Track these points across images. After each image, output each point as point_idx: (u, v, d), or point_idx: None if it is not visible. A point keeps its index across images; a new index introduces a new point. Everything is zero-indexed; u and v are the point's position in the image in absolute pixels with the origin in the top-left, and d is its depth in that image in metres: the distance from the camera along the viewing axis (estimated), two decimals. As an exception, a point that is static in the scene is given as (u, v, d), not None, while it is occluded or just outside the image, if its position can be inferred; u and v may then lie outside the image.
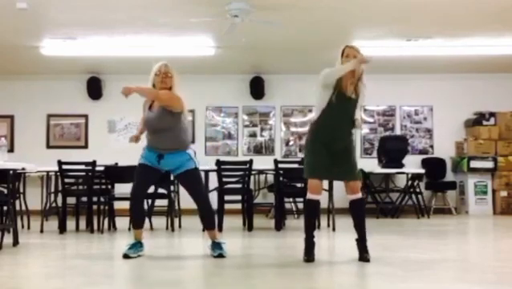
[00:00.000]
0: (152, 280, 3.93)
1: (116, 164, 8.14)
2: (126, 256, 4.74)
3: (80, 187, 7.53)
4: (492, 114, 10.15)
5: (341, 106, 4.51)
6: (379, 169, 9.34)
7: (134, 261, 4.65)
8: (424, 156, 10.39)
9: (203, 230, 6.79)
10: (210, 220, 4.95)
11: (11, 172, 5.69)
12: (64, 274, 4.25)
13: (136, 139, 4.97)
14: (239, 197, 7.39)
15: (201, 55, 8.89)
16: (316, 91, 4.61)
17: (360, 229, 4.56)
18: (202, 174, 6.78)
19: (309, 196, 4.55)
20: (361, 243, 4.53)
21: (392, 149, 9.52)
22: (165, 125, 4.76)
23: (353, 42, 8.40)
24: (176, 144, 4.79)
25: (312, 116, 9.98)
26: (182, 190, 7.67)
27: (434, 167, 10.18)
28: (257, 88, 10.35)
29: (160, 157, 4.79)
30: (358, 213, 4.58)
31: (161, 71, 4.84)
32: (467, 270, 4.24)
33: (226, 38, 7.51)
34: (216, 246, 4.84)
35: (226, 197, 7.26)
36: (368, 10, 6.95)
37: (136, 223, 4.93)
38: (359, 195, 4.59)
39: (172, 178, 7.30)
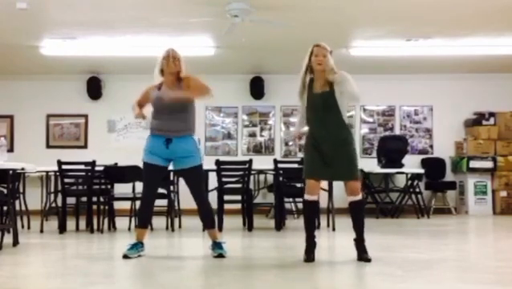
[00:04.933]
0: (152, 280, 3.93)
1: (116, 164, 8.14)
2: (126, 256, 4.74)
3: (80, 187, 7.53)
4: (492, 114, 10.15)
5: (315, 103, 4.59)
6: (378, 169, 9.34)
7: (134, 261, 4.65)
8: (424, 156, 10.39)
9: (203, 230, 6.81)
10: (210, 219, 4.98)
11: (11, 172, 5.68)
12: (64, 274, 4.24)
13: (142, 115, 4.91)
14: (239, 197, 7.39)
15: (201, 55, 8.88)
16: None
17: (359, 230, 4.55)
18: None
19: (306, 197, 4.57)
20: (360, 244, 4.53)
21: (392, 149, 9.52)
22: (180, 106, 4.81)
23: (353, 42, 8.49)
24: (186, 127, 4.83)
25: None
26: (182, 190, 7.73)
27: (434, 167, 10.18)
28: (257, 88, 10.36)
29: (169, 141, 4.77)
30: (357, 215, 4.58)
31: (170, 55, 4.88)
32: (467, 270, 4.24)
33: (226, 38, 7.51)
34: (216, 245, 4.85)
35: (226, 197, 7.25)
36: (368, 10, 6.95)
37: (143, 222, 4.97)
38: (359, 197, 4.57)
39: (171, 178, 7.33)
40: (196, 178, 4.88)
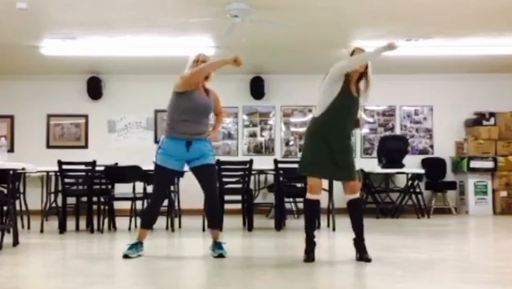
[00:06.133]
0: (152, 280, 3.93)
1: (116, 164, 8.15)
2: (126, 256, 4.74)
3: (80, 187, 7.53)
4: (492, 114, 10.16)
5: (345, 103, 4.52)
6: (379, 169, 9.33)
7: (134, 261, 4.65)
8: (424, 156, 10.39)
9: (203, 230, 6.81)
10: (217, 219, 5.02)
11: (11, 172, 5.68)
12: (64, 274, 4.25)
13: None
14: (239, 197, 7.39)
15: (201, 55, 8.88)
16: (321, 86, 4.57)
17: (359, 229, 4.55)
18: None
19: (308, 196, 4.55)
20: (360, 243, 4.53)
21: (392, 149, 9.52)
22: (210, 110, 4.96)
23: (353, 42, 8.46)
24: (206, 130, 4.91)
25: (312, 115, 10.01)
26: (182, 190, 7.74)
27: (434, 167, 10.18)
28: (257, 88, 10.35)
29: (189, 144, 4.78)
30: (356, 213, 4.58)
31: (200, 59, 4.91)
32: (467, 270, 4.24)
33: (226, 38, 7.51)
34: (216, 245, 4.85)
35: (226, 197, 7.25)
36: (368, 10, 6.95)
37: (149, 223, 4.97)
38: (357, 195, 4.59)
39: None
40: (209, 176, 4.90)
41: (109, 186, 7.41)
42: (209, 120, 5.02)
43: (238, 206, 7.47)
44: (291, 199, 8.60)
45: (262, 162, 8.38)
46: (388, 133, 10.39)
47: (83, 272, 4.23)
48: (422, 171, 9.50)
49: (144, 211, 5.34)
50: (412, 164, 10.02)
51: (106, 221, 7.24)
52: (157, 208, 4.98)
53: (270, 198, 8.61)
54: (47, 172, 7.73)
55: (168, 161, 4.82)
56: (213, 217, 4.99)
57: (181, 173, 6.61)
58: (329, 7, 6.80)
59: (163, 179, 4.93)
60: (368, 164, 9.57)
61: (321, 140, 4.52)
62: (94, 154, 8.61)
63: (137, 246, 4.84)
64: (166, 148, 4.84)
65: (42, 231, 7.01)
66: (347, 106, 4.54)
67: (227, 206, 7.30)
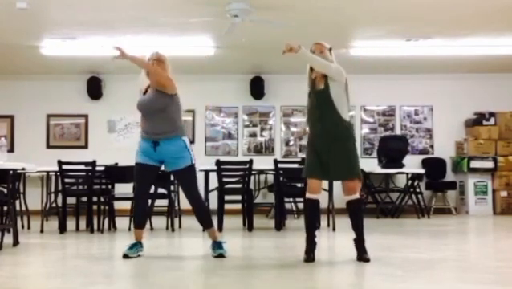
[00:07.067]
0: (152, 280, 3.93)
1: (116, 164, 8.15)
2: (126, 256, 4.75)
3: (80, 187, 7.54)
4: (492, 114, 10.15)
5: (312, 102, 4.61)
6: (379, 169, 9.33)
7: (134, 261, 4.66)
8: (424, 156, 10.39)
9: (203, 230, 6.81)
10: (206, 219, 4.96)
11: (11, 172, 5.69)
12: (64, 274, 4.25)
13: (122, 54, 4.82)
14: (239, 197, 7.39)
15: (201, 55, 8.89)
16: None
17: (358, 229, 4.55)
18: (202, 174, 6.81)
19: (307, 195, 4.57)
20: (359, 244, 4.53)
21: (392, 149, 9.52)
22: (160, 106, 4.80)
23: (353, 42, 8.49)
24: (170, 127, 4.80)
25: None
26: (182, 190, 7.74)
27: (434, 167, 10.18)
28: (257, 88, 10.35)
29: (156, 144, 4.78)
30: (355, 214, 4.57)
31: (152, 57, 4.93)
32: (467, 270, 4.24)
33: (226, 38, 7.51)
34: (216, 245, 4.85)
35: (226, 197, 7.26)
36: (368, 10, 6.95)
37: (138, 223, 4.97)
38: (356, 196, 4.55)
39: (171, 178, 7.33)
40: (188, 178, 4.88)
41: (109, 186, 7.42)
42: (174, 114, 4.81)
43: (238, 206, 7.48)
44: (291, 199, 8.59)
45: (262, 162, 8.38)
46: (388, 133, 10.39)
47: (83, 272, 4.23)
48: (422, 171, 9.50)
49: (133, 212, 5.37)
50: (412, 164, 10.02)
51: (106, 221, 7.25)
52: (141, 206, 4.99)
53: (270, 198, 8.61)
54: (47, 172, 7.73)
55: (142, 158, 4.86)
56: (203, 219, 4.96)
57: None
58: (329, 7, 6.80)
59: (140, 176, 4.92)
60: (368, 164, 9.56)
61: (310, 143, 4.63)
62: (94, 154, 8.62)
63: (136, 246, 4.84)
64: (140, 148, 4.91)
65: (42, 231, 7.02)
66: (314, 102, 4.60)
67: (227, 206, 7.31)
